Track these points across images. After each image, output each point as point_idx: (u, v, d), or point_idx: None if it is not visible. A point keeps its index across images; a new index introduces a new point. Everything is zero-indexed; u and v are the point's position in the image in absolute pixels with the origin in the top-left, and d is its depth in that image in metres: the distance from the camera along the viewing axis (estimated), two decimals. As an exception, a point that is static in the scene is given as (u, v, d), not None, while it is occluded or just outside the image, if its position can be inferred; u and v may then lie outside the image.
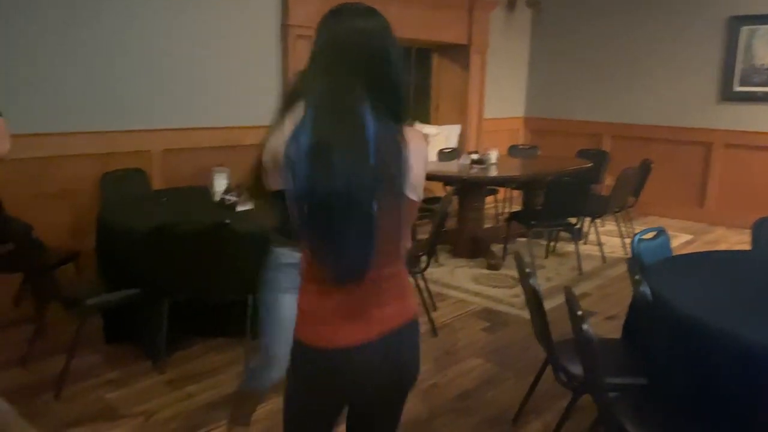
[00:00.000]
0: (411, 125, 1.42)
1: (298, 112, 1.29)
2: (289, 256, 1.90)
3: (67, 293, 2.85)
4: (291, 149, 1.23)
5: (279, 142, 1.32)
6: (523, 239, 5.16)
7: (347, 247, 1.24)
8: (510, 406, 2.79)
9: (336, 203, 1.20)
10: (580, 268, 4.89)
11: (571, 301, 1.96)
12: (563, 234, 5.57)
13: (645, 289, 2.18)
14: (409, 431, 2.62)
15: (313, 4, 5.11)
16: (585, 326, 1.83)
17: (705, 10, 6.52)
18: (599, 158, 6.25)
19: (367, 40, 1.28)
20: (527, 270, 2.31)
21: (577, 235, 5.20)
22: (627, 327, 2.59)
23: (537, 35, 7.83)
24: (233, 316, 3.12)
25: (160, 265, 2.93)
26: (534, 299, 2.33)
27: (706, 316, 1.96)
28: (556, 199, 4.60)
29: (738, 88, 6.42)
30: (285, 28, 5.02)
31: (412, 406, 2.83)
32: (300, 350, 1.37)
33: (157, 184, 4.33)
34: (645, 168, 5.61)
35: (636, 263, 2.45)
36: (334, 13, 1.32)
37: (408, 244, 1.43)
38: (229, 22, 4.62)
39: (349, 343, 1.32)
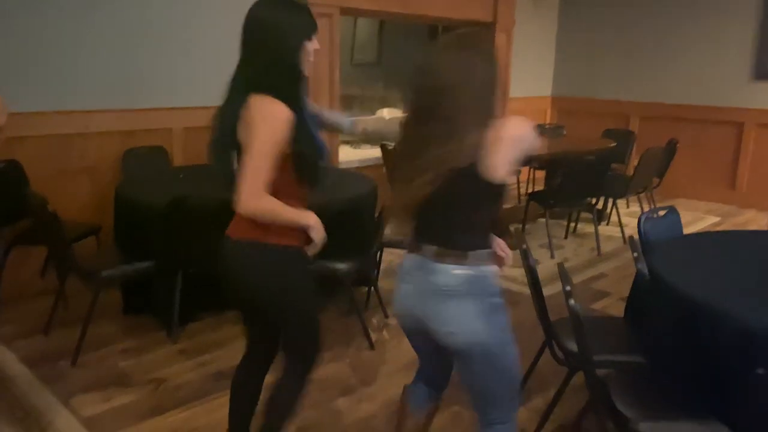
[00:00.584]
0: None
1: None
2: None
3: (84, 265, 2.96)
4: None
5: None
6: (542, 220, 5.12)
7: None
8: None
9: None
10: (599, 249, 4.83)
11: (563, 276, 1.95)
12: (585, 215, 5.51)
13: (642, 266, 2.16)
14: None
15: (332, -18, 5.12)
16: (571, 301, 1.82)
17: (740, -15, 6.31)
18: (625, 138, 6.15)
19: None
20: (523, 246, 2.30)
21: (597, 216, 5.13)
22: (629, 306, 2.57)
23: (565, 14, 7.68)
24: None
25: (175, 239, 3.01)
26: (531, 277, 2.33)
27: (703, 295, 1.94)
28: (574, 178, 4.54)
29: (773, 66, 6.21)
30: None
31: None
32: (294, 251, 1.81)
33: (177, 161, 4.42)
34: (670, 148, 5.49)
35: (636, 242, 2.42)
36: None
37: None
38: (246, 3, 4.66)
39: None
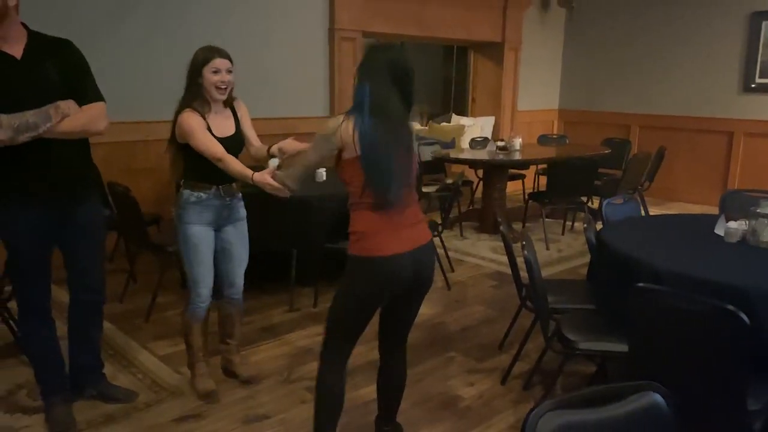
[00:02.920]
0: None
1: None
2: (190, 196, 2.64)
3: (155, 242, 3.69)
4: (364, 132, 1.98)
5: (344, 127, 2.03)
6: (549, 220, 5.73)
7: (398, 184, 2.02)
8: (500, 338, 3.45)
9: (391, 157, 2.01)
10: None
11: (526, 237, 2.61)
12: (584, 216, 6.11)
13: (590, 234, 2.80)
14: (414, 352, 3.32)
15: (355, 11, 5.87)
16: (525, 252, 2.48)
17: (728, 7, 6.91)
18: (622, 146, 6.76)
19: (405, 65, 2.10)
20: (499, 219, 2.96)
21: (591, 214, 5.73)
22: (589, 269, 3.20)
23: (570, 32, 8.34)
24: (279, 264, 3.90)
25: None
26: (507, 248, 2.98)
27: (630, 250, 2.57)
28: (563, 179, 5.18)
29: (759, 80, 6.78)
30: (332, 31, 5.79)
31: (419, 335, 3.54)
32: (359, 261, 2.03)
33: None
34: (659, 154, 6.09)
35: (588, 216, 3.06)
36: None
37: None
38: (285, 25, 5.41)
39: (398, 250, 2.03)
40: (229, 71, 2.63)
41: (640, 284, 2.07)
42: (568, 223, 6.01)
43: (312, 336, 3.48)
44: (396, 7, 6.25)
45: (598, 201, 6.02)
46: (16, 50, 2.25)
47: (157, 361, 3.18)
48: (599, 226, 3.17)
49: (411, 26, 6.52)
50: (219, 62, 2.60)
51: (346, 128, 1.99)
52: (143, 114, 4.76)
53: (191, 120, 2.56)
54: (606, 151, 6.20)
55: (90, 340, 2.71)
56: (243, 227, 2.85)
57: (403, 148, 2.07)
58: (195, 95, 2.63)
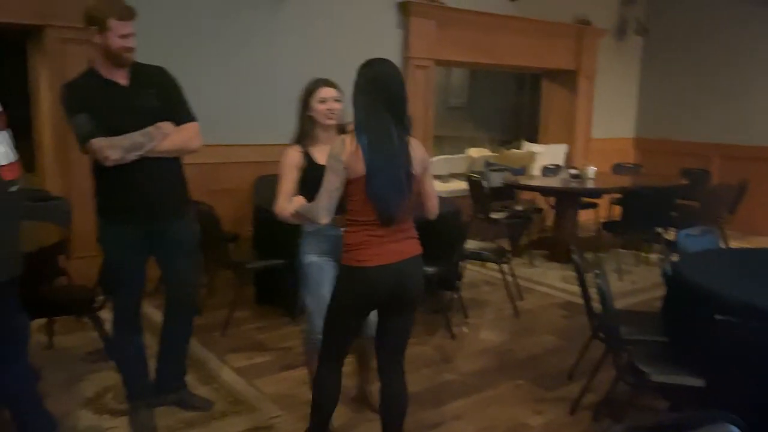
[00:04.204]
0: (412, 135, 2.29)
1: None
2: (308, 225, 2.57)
3: (234, 259, 3.88)
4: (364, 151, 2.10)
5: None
6: (623, 250, 5.61)
7: (390, 201, 2.12)
8: (568, 368, 3.40)
9: (382, 173, 2.11)
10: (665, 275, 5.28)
11: (600, 266, 2.59)
12: (659, 247, 5.95)
13: (665, 266, 2.75)
14: (482, 377, 3.34)
15: (429, 40, 6.00)
16: (599, 281, 2.46)
17: (818, 33, 6.63)
18: (701, 177, 6.55)
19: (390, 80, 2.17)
20: (572, 248, 2.95)
21: (667, 246, 5.57)
22: (664, 302, 3.13)
23: (647, 59, 8.19)
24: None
25: (298, 243, 3.86)
26: (580, 278, 2.96)
27: (708, 282, 2.51)
28: (638, 209, 5.07)
29: None
30: (406, 59, 5.93)
31: (488, 361, 3.55)
32: (348, 270, 2.18)
33: (297, 187, 5.36)
34: (741, 186, 5.87)
35: (666, 247, 3.00)
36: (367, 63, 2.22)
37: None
38: (362, 52, 5.54)
39: (381, 262, 2.15)
40: (337, 100, 2.65)
41: (718, 317, 2.03)
42: (643, 254, 5.86)
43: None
44: (469, 36, 6.34)
45: (675, 232, 5.86)
46: (123, 79, 2.50)
47: (233, 373, 3.32)
48: (675, 257, 3.10)
49: (484, 54, 6.58)
50: (324, 91, 2.63)
51: (349, 148, 2.11)
52: (225, 138, 5.01)
53: (284, 158, 2.65)
54: (683, 182, 6.03)
55: (179, 348, 2.87)
56: None
57: (399, 163, 2.14)
58: (303, 127, 2.67)
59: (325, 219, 2.18)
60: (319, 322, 2.58)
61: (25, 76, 4.58)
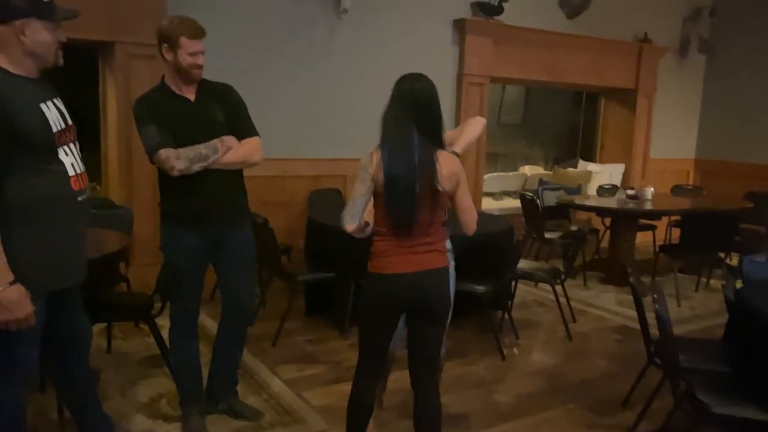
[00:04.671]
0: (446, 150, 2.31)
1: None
2: None
3: (287, 271, 3.93)
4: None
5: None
6: (681, 275, 5.41)
7: (401, 212, 2.15)
8: (622, 394, 3.30)
9: (396, 185, 2.13)
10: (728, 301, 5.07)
11: (658, 290, 2.51)
12: (721, 273, 5.72)
13: (728, 293, 2.64)
14: (533, 400, 3.27)
15: (485, 57, 5.99)
16: (657, 306, 2.39)
17: None
18: (766, 200, 6.28)
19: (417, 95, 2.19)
20: (629, 270, 2.87)
21: (729, 271, 5.35)
22: (726, 330, 3.01)
23: (710, 79, 7.94)
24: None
25: (350, 256, 3.88)
26: (637, 302, 2.87)
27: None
28: (699, 232, 4.89)
29: None
30: (460, 76, 5.93)
31: (539, 384, 3.48)
32: (371, 277, 2.25)
33: (349, 201, 5.41)
34: (812, 211, 5.60)
35: (728, 273, 2.89)
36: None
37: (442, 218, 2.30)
38: (416, 69, 5.59)
39: (398, 270, 2.20)
40: None
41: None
42: (703, 280, 5.64)
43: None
44: (526, 53, 6.29)
45: (738, 258, 5.62)
46: (191, 94, 2.62)
47: (283, 384, 3.35)
48: (739, 284, 2.97)
49: (540, 72, 6.52)
50: None
51: (375, 160, 2.15)
52: (282, 151, 5.11)
53: None
54: (748, 205, 5.80)
55: (232, 357, 2.93)
56: None
57: (416, 176, 2.14)
58: None
59: (350, 226, 2.21)
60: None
61: (93, 90, 4.79)
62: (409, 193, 2.14)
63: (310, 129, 5.26)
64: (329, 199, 5.20)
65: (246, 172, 2.86)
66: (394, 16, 5.48)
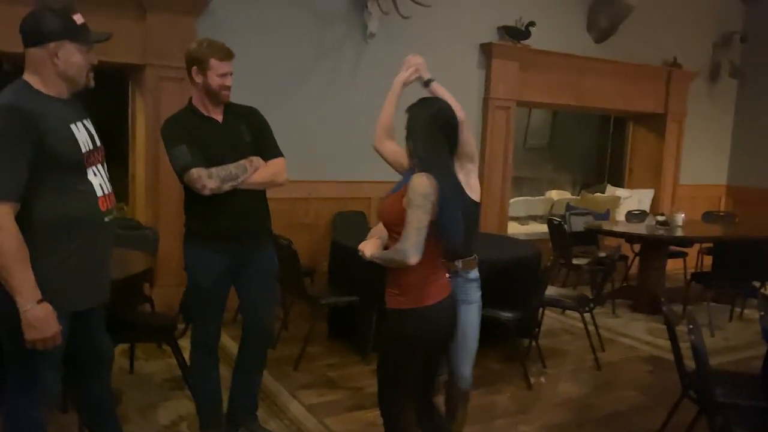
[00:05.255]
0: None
1: None
2: None
3: (310, 294, 3.90)
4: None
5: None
6: (714, 304, 5.26)
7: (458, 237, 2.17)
8: (654, 428, 3.17)
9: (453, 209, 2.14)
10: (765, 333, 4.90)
11: (693, 320, 2.42)
12: (756, 302, 5.55)
13: (766, 324, 2.54)
14: (559, 432, 3.17)
15: (511, 82, 5.97)
16: (692, 337, 2.30)
17: None
18: (802, 228, 6.10)
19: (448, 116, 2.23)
20: (662, 299, 2.78)
21: (762, 300, 5.19)
22: (764, 363, 2.88)
23: (742, 104, 7.81)
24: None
25: (375, 280, 3.84)
26: (670, 331, 2.77)
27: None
28: (732, 260, 4.76)
29: None
30: (486, 100, 5.90)
31: (566, 415, 3.38)
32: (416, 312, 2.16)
33: (372, 224, 5.38)
34: None
35: (764, 303, 2.78)
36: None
37: None
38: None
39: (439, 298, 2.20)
40: None
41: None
42: (737, 309, 5.47)
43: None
44: (553, 77, 6.25)
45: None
46: (219, 116, 2.64)
47: (304, 410, 3.30)
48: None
49: (567, 96, 6.46)
50: None
51: (434, 186, 2.09)
52: (306, 173, 5.11)
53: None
54: (781, 233, 5.62)
55: (252, 380, 2.89)
56: (464, 311, 2.48)
57: (463, 196, 2.29)
58: None
59: (416, 258, 2.09)
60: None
61: (123, 112, 4.87)
62: (460, 216, 2.15)
63: (335, 151, 5.27)
64: (353, 222, 5.17)
65: (271, 194, 2.85)
66: (420, 39, 5.48)
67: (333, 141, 5.26)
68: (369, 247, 2.26)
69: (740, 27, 7.57)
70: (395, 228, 2.15)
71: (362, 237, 2.35)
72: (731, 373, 3.19)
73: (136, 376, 3.62)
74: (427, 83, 2.71)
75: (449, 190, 2.13)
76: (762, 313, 2.59)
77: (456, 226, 2.13)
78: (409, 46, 5.61)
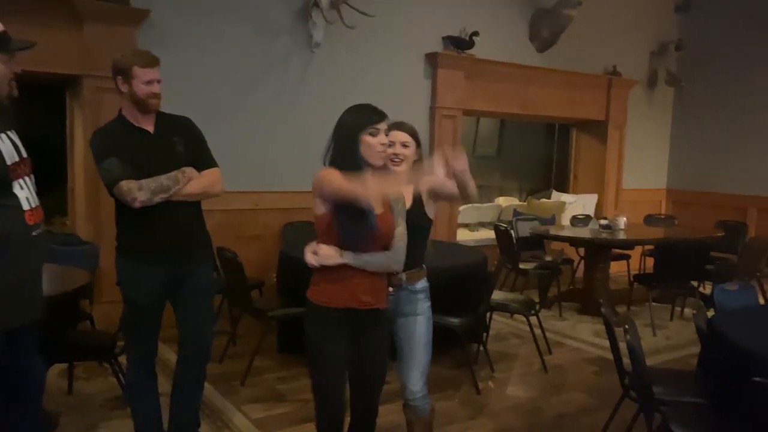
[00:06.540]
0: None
1: None
2: None
3: (257, 306, 3.84)
4: None
5: None
6: (656, 304, 5.41)
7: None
8: (600, 429, 3.23)
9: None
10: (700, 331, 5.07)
11: (630, 321, 2.49)
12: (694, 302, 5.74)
13: (701, 322, 2.63)
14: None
15: (458, 91, 6.05)
16: (628, 337, 2.36)
17: None
18: (737, 229, 6.35)
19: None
20: (601, 302, 2.84)
21: (703, 301, 5.37)
22: (700, 359, 2.98)
23: (679, 110, 8.12)
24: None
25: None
26: (609, 333, 2.84)
27: (748, 341, 2.38)
28: (672, 261, 4.92)
29: None
30: (433, 109, 5.97)
31: (515, 419, 3.41)
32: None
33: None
34: (781, 239, 5.67)
35: (701, 302, 2.88)
36: None
37: None
38: (388, 102, 5.61)
39: None
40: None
41: (757, 379, 1.91)
42: (677, 309, 5.65)
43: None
44: (498, 86, 6.37)
45: (711, 286, 5.65)
46: (150, 126, 2.58)
47: (251, 425, 3.24)
48: (711, 313, 2.97)
49: (513, 105, 6.60)
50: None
51: None
52: (253, 184, 5.06)
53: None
54: (719, 234, 5.86)
55: (192, 397, 2.82)
56: (410, 323, 2.49)
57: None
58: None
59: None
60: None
61: (61, 124, 4.72)
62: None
63: (283, 161, 5.23)
64: (302, 232, 5.12)
65: (216, 205, 2.82)
66: (367, 50, 5.51)
67: (280, 151, 5.22)
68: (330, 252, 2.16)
69: (675, 36, 7.88)
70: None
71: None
72: (669, 371, 3.30)
73: (76, 397, 3.50)
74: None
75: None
76: (695, 312, 2.68)
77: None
78: (356, 56, 5.67)
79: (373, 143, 2.19)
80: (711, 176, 7.77)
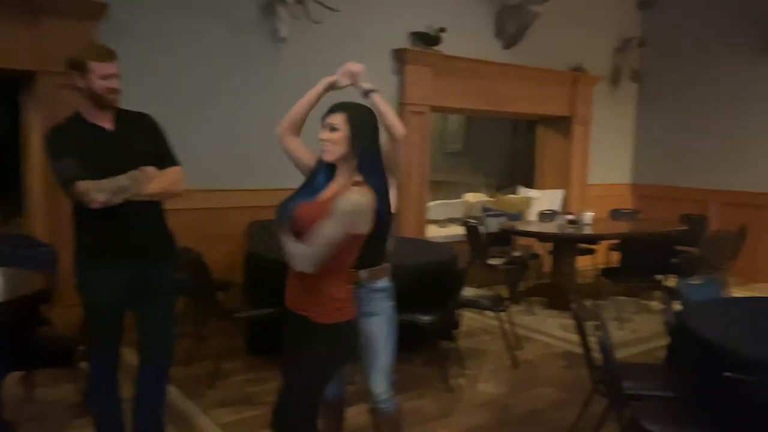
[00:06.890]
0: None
1: None
2: None
3: (224, 308, 3.76)
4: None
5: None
6: (622, 297, 5.50)
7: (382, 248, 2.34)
8: (570, 424, 3.26)
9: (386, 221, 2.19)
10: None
11: (600, 316, 2.49)
12: (660, 294, 5.84)
13: (668, 315, 2.65)
14: (480, 433, 3.20)
15: (425, 87, 6.03)
16: (600, 333, 2.36)
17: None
18: (699, 223, 6.49)
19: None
20: (571, 296, 2.85)
21: (669, 294, 5.47)
22: (668, 353, 3.02)
23: (642, 106, 8.24)
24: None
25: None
26: (579, 328, 2.85)
27: (716, 335, 2.41)
28: (637, 255, 4.99)
29: None
30: (402, 105, 5.94)
31: (486, 416, 3.41)
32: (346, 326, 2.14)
33: (291, 232, 5.28)
34: (741, 232, 5.80)
35: (667, 295, 2.91)
36: None
37: None
38: (357, 101, 5.59)
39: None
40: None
41: (727, 373, 1.93)
42: (643, 302, 5.74)
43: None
44: (465, 83, 6.37)
45: (675, 279, 5.76)
46: (108, 123, 2.48)
47: (218, 429, 3.17)
48: (677, 306, 3.00)
49: (480, 101, 6.61)
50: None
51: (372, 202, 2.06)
52: (218, 182, 4.96)
53: None
54: (683, 228, 5.97)
55: (155, 403, 2.74)
56: (368, 324, 2.40)
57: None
58: None
59: (310, 270, 2.04)
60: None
61: (16, 123, 4.55)
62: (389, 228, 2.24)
63: (248, 159, 5.14)
64: (269, 231, 5.04)
65: (180, 205, 2.72)
66: (334, 45, 5.45)
67: (246, 149, 5.13)
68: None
69: (638, 33, 8.00)
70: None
71: (278, 247, 2.20)
72: (638, 365, 3.33)
73: (37, 405, 3.38)
74: (366, 93, 2.50)
75: (384, 203, 2.13)
76: (664, 306, 2.71)
77: (381, 238, 2.20)
78: (321, 51, 5.59)
79: (319, 137, 2.18)
80: (674, 171, 7.92)
